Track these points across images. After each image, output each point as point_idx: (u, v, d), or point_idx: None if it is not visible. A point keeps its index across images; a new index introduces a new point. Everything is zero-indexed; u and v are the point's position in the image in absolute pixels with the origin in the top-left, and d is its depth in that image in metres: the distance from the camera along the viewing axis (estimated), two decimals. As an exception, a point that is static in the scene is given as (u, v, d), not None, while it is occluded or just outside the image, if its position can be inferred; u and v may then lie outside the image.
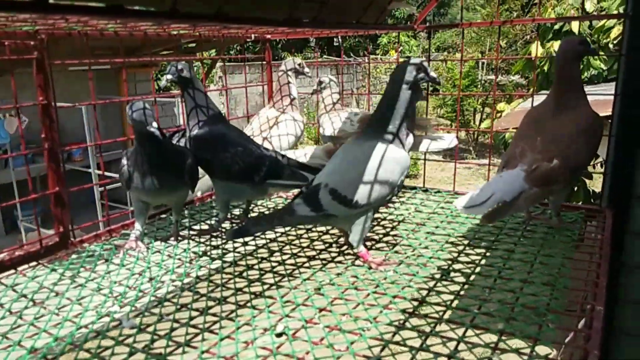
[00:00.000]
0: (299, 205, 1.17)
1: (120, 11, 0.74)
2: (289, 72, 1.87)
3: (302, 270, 1.19)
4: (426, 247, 1.27)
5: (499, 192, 1.18)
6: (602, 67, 6.30)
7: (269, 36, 1.94)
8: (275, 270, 1.19)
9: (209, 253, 1.33)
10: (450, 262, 1.17)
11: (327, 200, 1.14)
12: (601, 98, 3.82)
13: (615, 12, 6.32)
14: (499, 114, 7.44)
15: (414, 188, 1.80)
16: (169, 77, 1.39)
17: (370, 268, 1.16)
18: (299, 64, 1.89)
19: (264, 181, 1.37)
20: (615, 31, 6.20)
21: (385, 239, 1.36)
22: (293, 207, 1.17)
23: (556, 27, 6.60)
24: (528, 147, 1.26)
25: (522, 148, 1.27)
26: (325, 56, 12.89)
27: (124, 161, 1.29)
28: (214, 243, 1.40)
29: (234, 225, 1.53)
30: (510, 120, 4.75)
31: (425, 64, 1.15)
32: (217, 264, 1.26)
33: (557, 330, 0.87)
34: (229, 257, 1.29)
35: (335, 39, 11.32)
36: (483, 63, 10.27)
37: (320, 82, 1.92)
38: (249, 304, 1.02)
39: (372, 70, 11.26)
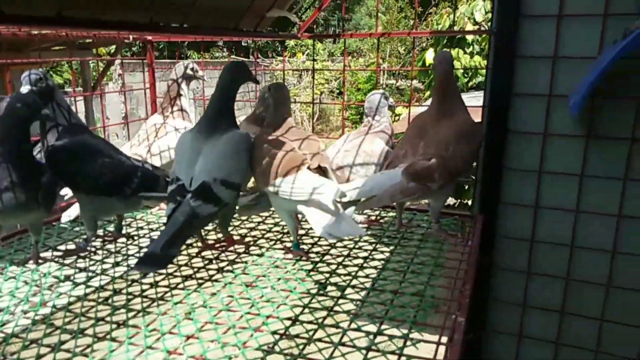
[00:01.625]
0: (201, 207, 1.15)
1: None
2: (179, 80, 1.76)
3: (175, 292, 1.11)
4: (307, 260, 1.26)
5: (376, 185, 1.28)
6: (487, 75, 6.84)
7: (149, 37, 1.82)
8: (145, 294, 1.11)
9: (72, 277, 1.20)
10: (328, 275, 1.16)
11: (223, 192, 1.18)
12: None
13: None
14: (397, 117, 7.77)
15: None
16: (29, 87, 1.24)
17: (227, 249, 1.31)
18: (191, 68, 1.77)
19: (136, 194, 1.28)
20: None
21: (268, 253, 1.32)
22: (196, 211, 1.14)
23: (450, 34, 7.05)
24: (411, 150, 1.34)
25: (406, 151, 1.35)
26: (233, 56, 12.65)
27: None
28: (80, 265, 1.27)
29: (106, 243, 1.41)
30: (404, 124, 5.00)
31: (245, 65, 1.32)
32: (80, 289, 1.14)
33: (422, 343, 0.88)
34: (95, 281, 1.18)
35: (243, 40, 11.17)
36: (383, 68, 10.67)
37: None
38: (108, 336, 0.93)
39: (279, 72, 11.26)
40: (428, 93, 7.75)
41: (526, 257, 1.48)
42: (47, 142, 1.26)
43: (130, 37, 1.72)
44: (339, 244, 1.36)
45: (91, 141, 1.31)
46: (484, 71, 6.63)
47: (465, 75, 6.82)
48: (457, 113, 1.37)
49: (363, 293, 1.06)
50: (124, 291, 1.12)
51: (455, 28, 7.25)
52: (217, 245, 1.35)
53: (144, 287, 1.14)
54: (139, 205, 1.36)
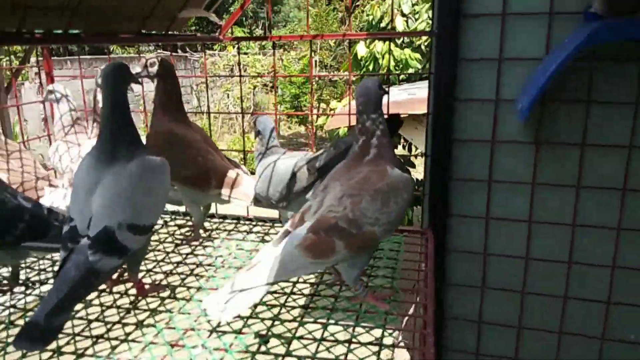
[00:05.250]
0: (102, 261, 0.93)
1: None
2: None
3: (82, 361, 0.91)
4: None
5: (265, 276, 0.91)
6: (417, 67, 6.89)
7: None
8: (43, 367, 0.90)
9: (-50, 349, 0.96)
10: (270, 323, 1.00)
11: (130, 239, 0.97)
12: (419, 97, 4.08)
13: (425, 15, 6.97)
14: (332, 111, 7.69)
15: (238, 218, 1.60)
16: None
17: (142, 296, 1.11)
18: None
19: (20, 243, 1.05)
20: (428, 33, 6.85)
21: (197, 294, 1.13)
22: (94, 267, 0.92)
23: (382, 24, 7.02)
24: (317, 204, 1.01)
25: (310, 205, 1.02)
26: (160, 51, 11.96)
27: None
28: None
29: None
30: (340, 118, 4.89)
31: (124, 66, 1.05)
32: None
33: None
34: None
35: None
36: (316, 61, 10.57)
37: (50, 92, 1.56)
38: None
39: (211, 65, 10.84)
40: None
41: (479, 271, 1.39)
42: None
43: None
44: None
45: None
46: (413, 62, 6.69)
47: (397, 68, 6.84)
48: (384, 159, 1.05)
49: (312, 347, 0.91)
50: (22, 363, 0.91)
51: (385, 19, 7.26)
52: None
53: (44, 355, 0.93)
54: (26, 256, 1.12)
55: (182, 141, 1.34)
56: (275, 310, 1.05)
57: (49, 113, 1.71)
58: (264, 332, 0.97)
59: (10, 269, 1.21)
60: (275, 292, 1.13)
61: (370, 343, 0.90)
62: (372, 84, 1.07)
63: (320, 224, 0.94)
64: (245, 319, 1.01)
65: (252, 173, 1.46)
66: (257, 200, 1.38)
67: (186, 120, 1.38)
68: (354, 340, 0.91)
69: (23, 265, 1.29)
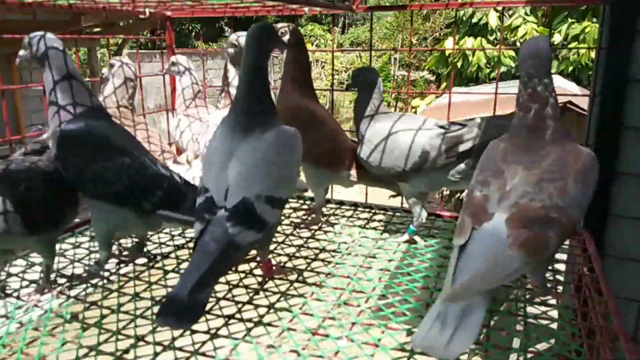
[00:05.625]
0: (241, 234, 0.86)
1: None
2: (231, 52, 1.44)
3: (217, 342, 0.84)
4: (383, 296, 0.97)
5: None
6: (511, 65, 6.51)
7: (168, 13, 1.53)
8: (178, 344, 0.83)
9: (81, 316, 0.93)
10: (420, 320, 0.88)
11: (267, 212, 0.89)
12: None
13: (522, 10, 6.56)
14: (413, 110, 7.46)
15: (356, 205, 1.49)
16: (22, 53, 1.03)
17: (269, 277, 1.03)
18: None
19: (156, 211, 0.99)
20: (522, 30, 6.44)
21: (328, 280, 1.04)
22: (234, 240, 0.85)
23: (474, 20, 6.70)
24: (498, 191, 0.84)
25: (487, 194, 0.85)
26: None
27: None
28: (91, 297, 1.00)
29: (121, 265, 1.13)
30: (435, 112, 4.69)
31: (272, 27, 1.00)
32: (92, 334, 0.87)
33: None
34: (111, 322, 0.91)
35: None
36: (395, 59, 10.34)
37: (173, 64, 1.57)
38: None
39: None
40: (445, 84, 7.42)
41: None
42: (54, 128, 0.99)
43: (147, 11, 1.43)
44: (417, 269, 1.07)
45: (109, 132, 1.03)
46: (507, 60, 6.30)
47: (488, 65, 6.48)
48: (565, 135, 0.89)
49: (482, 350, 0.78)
50: (150, 338, 0.85)
51: (477, 14, 6.93)
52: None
53: (176, 333, 0.86)
54: (159, 225, 1.07)
55: (315, 118, 1.25)
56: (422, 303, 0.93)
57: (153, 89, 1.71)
58: (414, 329, 0.85)
59: (135, 239, 1.18)
60: (417, 283, 1.01)
61: (554, 355, 0.75)
62: (543, 42, 0.90)
63: (526, 216, 0.78)
64: (390, 314, 0.90)
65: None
66: (362, 168, 1.25)
67: (314, 94, 1.29)
68: (529, 348, 0.77)
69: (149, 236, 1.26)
